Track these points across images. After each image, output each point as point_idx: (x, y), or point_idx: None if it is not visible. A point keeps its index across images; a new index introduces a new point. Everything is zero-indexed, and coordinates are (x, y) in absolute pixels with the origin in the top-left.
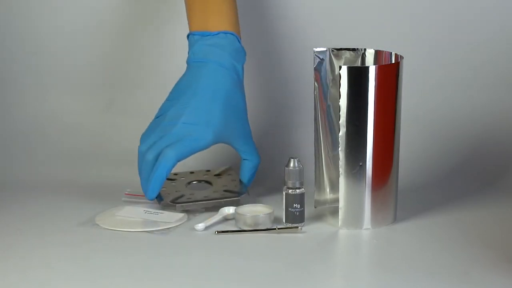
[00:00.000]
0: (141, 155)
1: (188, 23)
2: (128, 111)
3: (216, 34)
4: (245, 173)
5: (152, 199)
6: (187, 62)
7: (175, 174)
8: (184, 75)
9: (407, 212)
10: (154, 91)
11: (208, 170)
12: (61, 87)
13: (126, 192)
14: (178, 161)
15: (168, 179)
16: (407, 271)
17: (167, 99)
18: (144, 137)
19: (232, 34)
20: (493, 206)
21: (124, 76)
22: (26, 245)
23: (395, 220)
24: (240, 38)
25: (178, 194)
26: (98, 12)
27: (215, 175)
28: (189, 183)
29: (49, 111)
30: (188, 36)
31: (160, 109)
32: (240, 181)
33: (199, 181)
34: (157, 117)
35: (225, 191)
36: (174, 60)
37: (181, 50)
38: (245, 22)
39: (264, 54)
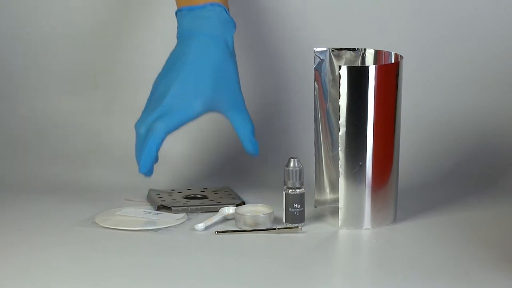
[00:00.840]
0: (136, 130)
1: (176, 1)
2: (128, 111)
3: (203, 7)
4: (244, 143)
5: (144, 173)
6: (177, 37)
7: (172, 190)
8: (173, 50)
9: (407, 212)
10: None
11: (206, 188)
12: (61, 87)
13: (126, 199)
14: (168, 133)
15: (165, 192)
16: (407, 271)
17: (158, 75)
18: (142, 114)
19: (219, 5)
20: (493, 206)
21: (124, 76)
22: (26, 245)
23: (395, 220)
24: (228, 10)
25: (174, 202)
26: (97, 12)
27: (212, 191)
28: (186, 196)
29: (49, 111)
30: (176, 13)
31: (153, 85)
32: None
33: (196, 195)
34: (151, 93)
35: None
36: None
37: None
38: (245, 22)
39: (264, 54)
